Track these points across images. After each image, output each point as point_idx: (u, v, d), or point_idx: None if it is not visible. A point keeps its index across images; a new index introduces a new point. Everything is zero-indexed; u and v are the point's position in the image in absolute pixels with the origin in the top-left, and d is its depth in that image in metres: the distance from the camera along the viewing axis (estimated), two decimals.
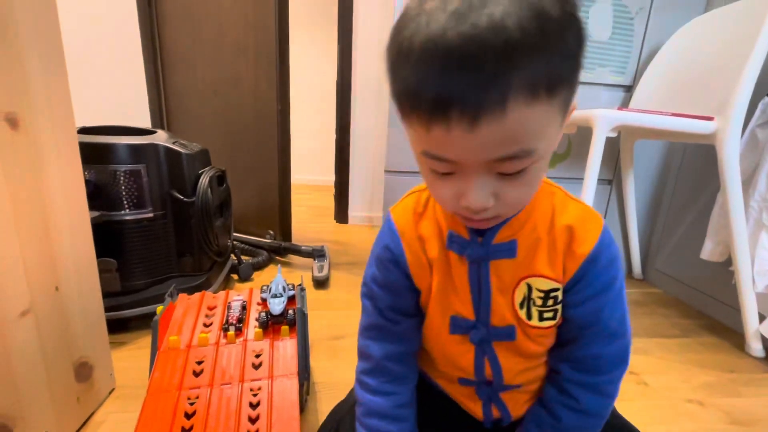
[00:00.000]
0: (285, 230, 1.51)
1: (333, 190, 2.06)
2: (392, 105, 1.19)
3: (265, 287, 0.73)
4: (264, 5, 1.31)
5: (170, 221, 0.98)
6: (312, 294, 1.21)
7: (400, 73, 0.28)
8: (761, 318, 0.98)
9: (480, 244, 0.38)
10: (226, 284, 1.23)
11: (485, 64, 0.24)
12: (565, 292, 0.39)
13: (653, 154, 1.39)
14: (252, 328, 0.66)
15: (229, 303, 0.70)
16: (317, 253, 1.38)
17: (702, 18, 1.14)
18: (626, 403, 0.80)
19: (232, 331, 0.64)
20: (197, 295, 0.73)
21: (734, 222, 0.94)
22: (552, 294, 0.38)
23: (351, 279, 1.33)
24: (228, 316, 0.67)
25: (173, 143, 1.00)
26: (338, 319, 1.06)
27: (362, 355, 0.47)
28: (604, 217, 1.43)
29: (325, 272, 1.26)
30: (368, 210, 2.02)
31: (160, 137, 1.00)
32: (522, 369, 0.42)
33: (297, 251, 1.41)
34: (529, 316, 0.39)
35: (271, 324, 0.67)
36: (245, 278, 1.28)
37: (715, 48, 1.03)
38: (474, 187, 0.30)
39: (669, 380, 0.88)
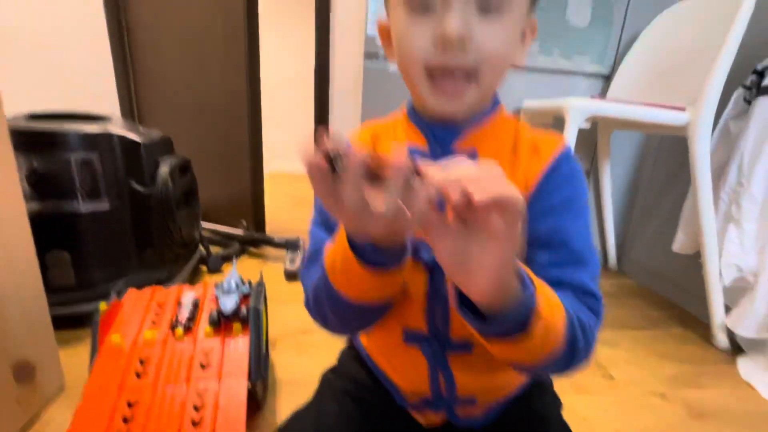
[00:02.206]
0: (258, 220, 1.47)
1: None
2: (371, 93, 1.15)
3: (218, 284, 0.70)
4: None
5: (128, 213, 0.94)
6: (282, 287, 1.19)
7: None
8: (727, 310, 0.98)
9: (439, 152, 0.37)
10: (194, 276, 1.19)
11: None
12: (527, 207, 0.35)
13: (630, 145, 1.38)
14: (203, 327, 0.63)
15: (180, 299, 0.67)
16: (290, 245, 1.35)
17: (679, 6, 1.11)
18: (591, 397, 0.80)
19: (180, 329, 0.61)
20: (147, 290, 0.70)
21: (703, 215, 0.94)
22: None
23: None
24: (178, 313, 0.64)
25: (129, 131, 0.95)
26: (306, 313, 1.03)
27: (305, 281, 0.40)
28: None
29: (296, 265, 1.23)
30: None
31: (116, 125, 0.95)
32: None
33: (269, 242, 1.38)
34: None
35: (223, 322, 0.64)
36: (214, 270, 1.24)
37: (691, 38, 1.01)
38: (453, 13, 0.31)
39: (635, 373, 0.88)
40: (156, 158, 0.98)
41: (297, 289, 1.19)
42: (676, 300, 1.23)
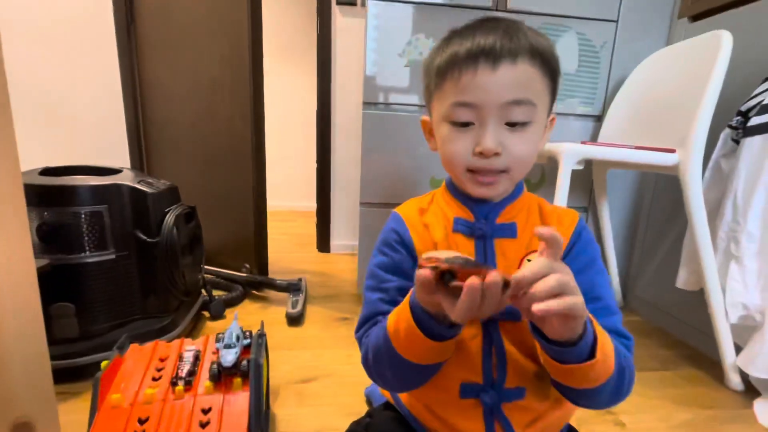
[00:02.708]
0: (261, 263, 1.49)
1: (316, 218, 2.04)
2: (370, 134, 1.21)
3: (220, 335, 0.71)
4: (239, 41, 1.33)
5: (133, 262, 0.95)
6: (284, 332, 1.18)
7: (442, 50, 0.43)
8: (737, 349, 0.96)
9: (485, 223, 0.45)
10: (196, 323, 1.19)
11: (507, 31, 0.40)
12: None
13: (626, 181, 1.40)
14: (203, 381, 0.63)
15: (181, 353, 0.67)
16: (292, 288, 1.36)
17: (661, 53, 1.17)
18: None
19: (181, 386, 0.61)
20: (149, 345, 0.70)
21: (703, 253, 0.94)
22: None
23: (327, 314, 1.29)
24: (179, 368, 0.64)
25: (139, 182, 0.98)
26: (309, 360, 1.02)
27: (362, 343, 0.46)
28: None
29: (298, 308, 1.23)
30: (351, 239, 2.00)
31: (126, 177, 0.98)
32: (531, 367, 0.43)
33: (272, 285, 1.38)
34: None
35: (224, 376, 0.64)
36: (217, 316, 1.24)
37: (675, 82, 1.06)
38: (488, 131, 0.40)
39: (647, 420, 0.85)
40: (162, 207, 1.01)
41: (299, 335, 1.19)
42: (684, 338, 1.20)
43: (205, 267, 1.54)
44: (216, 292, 1.39)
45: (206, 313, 1.25)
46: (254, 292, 1.44)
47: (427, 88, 0.47)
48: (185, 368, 0.64)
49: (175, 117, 1.60)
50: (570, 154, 0.93)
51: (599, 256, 0.46)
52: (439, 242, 0.46)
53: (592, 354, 0.34)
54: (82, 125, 1.79)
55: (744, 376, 0.95)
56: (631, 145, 0.96)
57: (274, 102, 2.92)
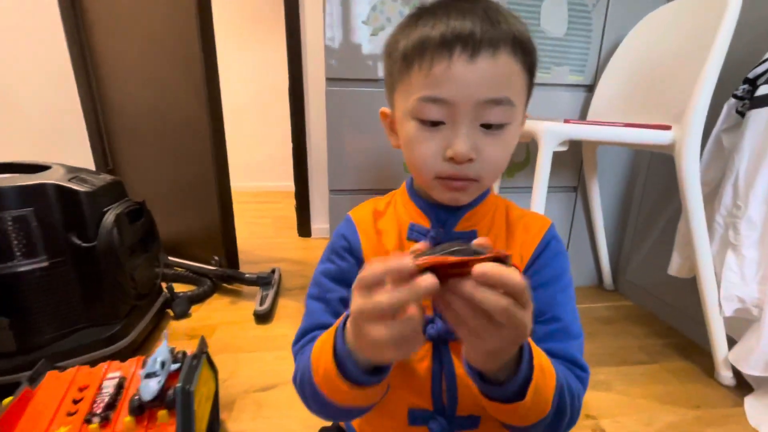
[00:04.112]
0: (230, 255, 1.40)
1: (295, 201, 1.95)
2: (335, 114, 1.09)
3: (148, 359, 0.63)
4: (186, 15, 1.18)
5: (70, 268, 0.87)
6: (251, 331, 1.11)
7: (409, 31, 0.36)
8: (731, 341, 0.89)
9: (442, 232, 0.40)
10: (158, 323, 1.12)
11: (486, 14, 0.33)
12: None
13: (618, 159, 1.29)
14: (124, 417, 0.56)
15: (101, 383, 0.60)
16: (262, 281, 1.28)
17: (660, 12, 1.03)
18: None
19: (96, 423, 0.54)
20: (69, 372, 0.63)
21: (697, 241, 0.85)
22: None
23: (299, 309, 1.22)
24: (95, 401, 0.57)
25: (70, 180, 0.88)
26: (272, 364, 0.96)
27: (296, 359, 0.41)
28: (570, 225, 1.34)
29: (266, 305, 1.16)
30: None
31: (54, 174, 0.88)
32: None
33: (240, 279, 1.31)
34: None
35: (147, 408, 0.57)
36: (181, 315, 1.17)
37: (675, 45, 0.93)
38: (461, 133, 0.34)
39: (629, 423, 0.79)
40: (101, 206, 0.91)
41: (266, 333, 1.12)
42: (676, 325, 1.13)
43: (174, 260, 1.46)
44: (184, 288, 1.32)
45: (171, 312, 1.18)
46: (225, 285, 1.37)
47: (389, 74, 0.40)
48: (104, 401, 0.57)
49: (132, 101, 1.46)
50: (551, 135, 0.82)
51: (567, 270, 0.42)
52: (392, 251, 0.42)
53: (521, 394, 0.30)
54: (31, 115, 1.66)
55: (736, 371, 0.89)
56: (621, 123, 0.85)
57: (247, 77, 2.74)
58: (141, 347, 1.00)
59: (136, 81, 1.41)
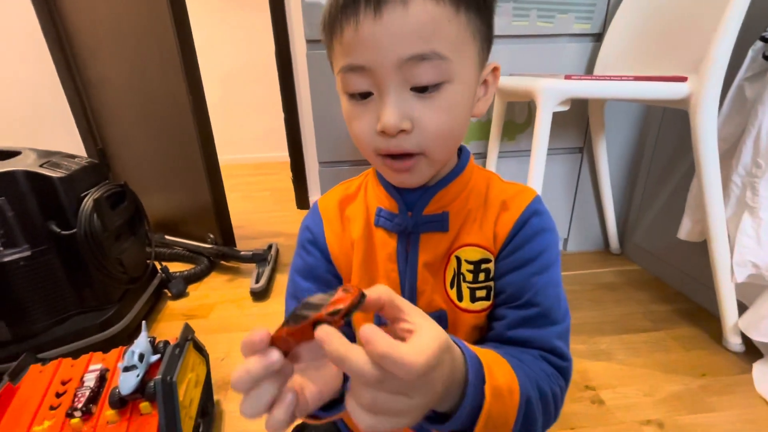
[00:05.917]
0: (225, 231, 1.38)
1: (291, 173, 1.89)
2: (319, 79, 1.02)
3: (128, 348, 0.62)
4: None
5: (54, 257, 0.85)
6: (248, 309, 1.11)
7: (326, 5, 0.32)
8: (741, 307, 0.85)
9: (410, 217, 0.37)
10: (154, 305, 1.12)
11: None
12: (495, 263, 0.37)
13: (627, 115, 1.19)
14: (106, 409, 0.55)
15: (83, 376, 0.59)
16: (257, 258, 1.26)
17: None
18: (576, 431, 0.70)
19: (78, 417, 0.53)
20: (52, 364, 0.62)
21: (710, 203, 0.79)
22: (483, 266, 0.37)
23: None
24: (76, 395, 0.56)
25: (42, 165, 0.84)
26: None
27: None
28: (576, 188, 1.28)
29: (261, 283, 1.14)
30: None
31: (25, 160, 0.84)
32: None
33: (235, 257, 1.29)
34: (460, 297, 0.37)
35: (129, 401, 0.56)
36: (178, 295, 1.17)
37: None
38: (389, 103, 0.30)
39: (630, 394, 0.77)
40: (78, 191, 0.88)
41: (262, 311, 1.11)
42: (683, 290, 1.09)
43: (170, 239, 1.45)
44: (181, 267, 1.31)
45: (168, 292, 1.18)
46: (223, 263, 1.36)
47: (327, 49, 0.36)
48: (85, 394, 0.56)
49: (110, 75, 1.39)
50: (550, 93, 0.74)
51: (549, 249, 0.37)
52: (357, 241, 0.39)
53: (471, 424, 0.26)
54: (10, 97, 1.60)
55: (745, 337, 0.85)
56: (630, 76, 0.76)
57: (235, 44, 2.60)
58: (138, 330, 1.00)
59: (111, 53, 1.33)
